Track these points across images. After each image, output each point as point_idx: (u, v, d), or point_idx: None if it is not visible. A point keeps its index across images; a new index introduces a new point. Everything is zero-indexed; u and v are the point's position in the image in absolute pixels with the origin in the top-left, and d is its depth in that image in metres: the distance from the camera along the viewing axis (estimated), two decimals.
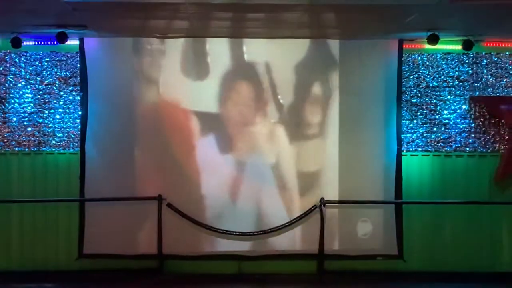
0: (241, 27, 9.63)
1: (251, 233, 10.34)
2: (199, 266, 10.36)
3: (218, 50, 10.32)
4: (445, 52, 10.64)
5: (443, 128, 10.71)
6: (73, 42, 10.17)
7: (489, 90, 10.72)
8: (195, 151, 10.37)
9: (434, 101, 10.71)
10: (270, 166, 10.39)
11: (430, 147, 10.71)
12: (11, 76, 10.52)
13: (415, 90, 10.70)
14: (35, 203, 10.39)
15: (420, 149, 10.70)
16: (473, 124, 10.72)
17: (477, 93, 10.70)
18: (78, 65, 10.43)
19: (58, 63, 10.53)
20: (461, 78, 10.72)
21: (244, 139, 10.41)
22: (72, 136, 10.54)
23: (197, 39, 10.26)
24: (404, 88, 10.60)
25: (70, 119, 10.54)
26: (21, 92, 10.53)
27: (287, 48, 10.28)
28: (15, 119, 10.53)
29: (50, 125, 10.55)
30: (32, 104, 10.54)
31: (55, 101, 10.55)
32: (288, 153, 10.41)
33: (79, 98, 10.44)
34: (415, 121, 10.70)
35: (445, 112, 10.72)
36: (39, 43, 10.34)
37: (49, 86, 10.55)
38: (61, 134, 10.55)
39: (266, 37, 10.15)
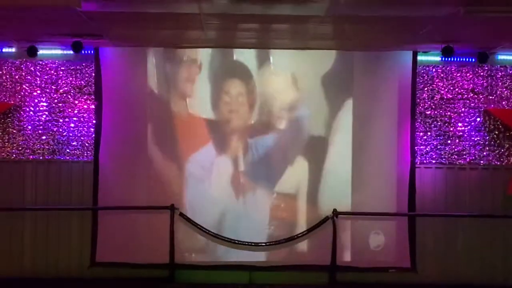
0: (253, 38, 9.71)
1: (263, 244, 10.33)
2: (210, 275, 10.35)
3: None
4: (460, 64, 10.60)
5: (457, 141, 10.67)
6: (88, 51, 10.24)
7: (503, 103, 10.66)
8: (209, 161, 10.38)
9: (448, 113, 10.66)
10: (283, 177, 10.38)
11: (444, 159, 10.66)
12: (27, 84, 10.60)
13: (429, 102, 10.66)
14: (49, 211, 10.44)
15: (434, 161, 10.65)
16: (487, 137, 10.66)
17: (492, 105, 10.64)
18: (93, 74, 10.50)
19: (73, 72, 10.60)
20: (475, 90, 10.67)
21: (261, 150, 10.40)
22: (86, 144, 10.59)
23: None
24: (418, 100, 10.58)
25: (85, 128, 10.60)
26: (36, 101, 10.61)
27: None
28: (30, 127, 10.60)
29: (64, 134, 10.61)
30: (47, 113, 10.61)
31: (69, 110, 10.61)
32: (302, 163, 10.40)
33: (94, 107, 10.50)
34: (429, 133, 10.66)
35: (459, 124, 10.67)
36: (55, 52, 10.40)
37: (64, 95, 10.62)
38: (75, 143, 10.61)
39: (280, 47, 10.21)
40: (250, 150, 10.39)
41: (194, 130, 10.37)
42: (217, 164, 10.38)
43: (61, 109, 10.61)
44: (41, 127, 10.61)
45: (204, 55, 10.36)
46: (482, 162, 10.66)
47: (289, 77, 10.39)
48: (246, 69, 10.38)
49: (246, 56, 10.37)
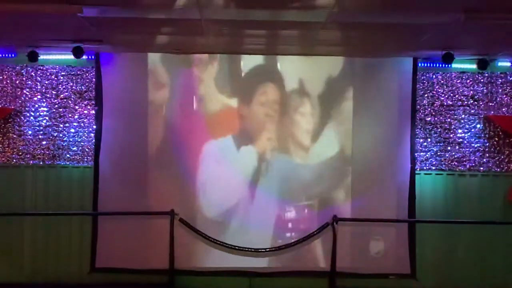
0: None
1: (263, 250, 10.32)
2: (210, 281, 10.34)
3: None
4: (460, 71, 10.62)
5: (457, 147, 10.67)
6: (89, 56, 10.26)
7: (503, 109, 10.67)
8: (209, 167, 10.39)
9: (449, 119, 10.67)
10: (283, 183, 10.39)
11: (444, 166, 10.66)
12: (27, 89, 10.60)
13: (429, 109, 10.67)
14: (48, 216, 10.42)
15: (434, 167, 10.65)
16: (487, 144, 10.67)
17: (492, 112, 10.65)
18: (94, 79, 10.50)
19: (74, 77, 10.60)
20: (475, 97, 10.68)
21: (264, 157, 10.40)
22: (87, 150, 10.59)
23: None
24: (418, 106, 10.58)
25: (85, 133, 10.60)
26: (36, 106, 10.61)
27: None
28: (30, 132, 10.61)
29: (64, 139, 10.62)
30: (47, 118, 10.61)
31: (70, 115, 10.62)
32: (303, 169, 10.39)
33: (94, 113, 10.51)
34: (429, 140, 10.67)
35: (460, 131, 10.68)
36: (56, 57, 10.41)
37: (65, 100, 10.62)
38: (75, 148, 10.61)
39: (283, 53, 10.24)
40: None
41: (195, 134, 10.36)
42: (221, 169, 10.39)
43: (62, 114, 10.62)
44: (41, 132, 10.61)
45: (206, 59, 10.36)
46: (482, 168, 10.66)
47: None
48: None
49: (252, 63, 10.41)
